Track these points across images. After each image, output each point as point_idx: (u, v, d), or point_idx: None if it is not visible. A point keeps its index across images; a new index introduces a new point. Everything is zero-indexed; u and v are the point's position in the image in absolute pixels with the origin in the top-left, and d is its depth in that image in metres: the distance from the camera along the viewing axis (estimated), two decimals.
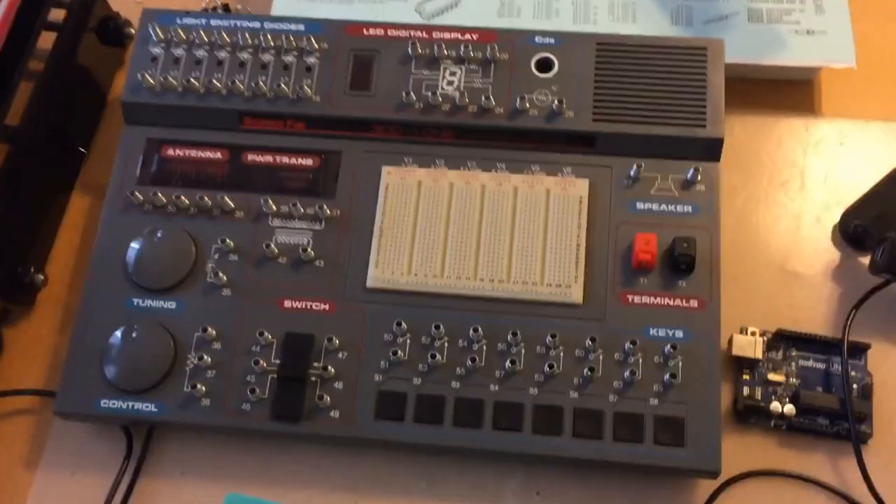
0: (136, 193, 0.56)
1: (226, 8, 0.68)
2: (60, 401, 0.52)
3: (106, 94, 0.66)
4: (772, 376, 0.53)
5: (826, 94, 0.62)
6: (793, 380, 0.53)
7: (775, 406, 0.51)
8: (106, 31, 0.65)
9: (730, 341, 0.53)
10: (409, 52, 0.57)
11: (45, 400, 0.56)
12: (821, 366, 0.53)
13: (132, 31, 0.66)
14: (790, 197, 0.59)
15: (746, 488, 0.51)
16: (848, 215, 0.57)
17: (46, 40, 0.61)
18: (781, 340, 0.53)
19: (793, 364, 0.53)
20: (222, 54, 0.58)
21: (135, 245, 0.55)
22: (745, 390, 0.52)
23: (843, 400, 0.51)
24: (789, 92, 0.63)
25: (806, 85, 0.63)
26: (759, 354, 0.52)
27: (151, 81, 0.58)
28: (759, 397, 0.52)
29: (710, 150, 0.55)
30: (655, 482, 0.51)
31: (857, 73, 0.60)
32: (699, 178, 0.54)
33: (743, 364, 0.53)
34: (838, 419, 0.51)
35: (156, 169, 0.57)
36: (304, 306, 0.53)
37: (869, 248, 0.56)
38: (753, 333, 0.53)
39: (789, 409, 0.51)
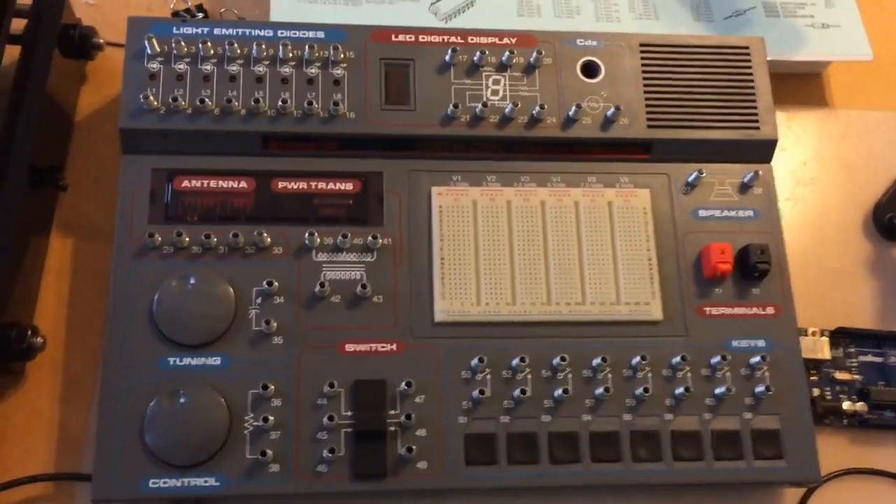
0: (155, 235, 0.48)
1: (201, 9, 0.60)
2: (98, 486, 0.45)
3: (73, 117, 0.57)
4: (839, 375, 0.53)
5: (836, 86, 0.63)
6: (856, 376, 0.53)
7: (848, 405, 0.52)
8: (69, 41, 0.55)
9: None
10: (448, 59, 0.52)
11: (68, 486, 0.48)
12: (879, 360, 0.54)
13: (99, 40, 0.57)
14: (819, 192, 0.60)
15: (831, 489, 0.51)
16: (880, 208, 0.58)
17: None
18: (842, 338, 0.54)
19: (854, 360, 0.54)
20: (234, 68, 0.51)
21: (162, 294, 0.47)
22: (816, 391, 0.53)
23: None
24: (799, 85, 0.63)
25: (815, 77, 0.64)
26: (827, 355, 0.53)
27: (155, 103, 0.50)
28: (830, 397, 0.53)
29: (764, 151, 0.54)
30: (744, 492, 0.51)
31: (864, 62, 0.62)
32: (756, 181, 0.53)
33: (809, 366, 0.53)
34: None
35: (170, 204, 0.50)
36: (368, 349, 0.48)
37: None
38: (815, 334, 0.53)
39: (861, 406, 0.52)
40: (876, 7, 0.66)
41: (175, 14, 0.60)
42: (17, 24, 0.53)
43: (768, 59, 0.58)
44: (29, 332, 0.48)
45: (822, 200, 0.59)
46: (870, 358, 0.54)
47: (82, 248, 0.54)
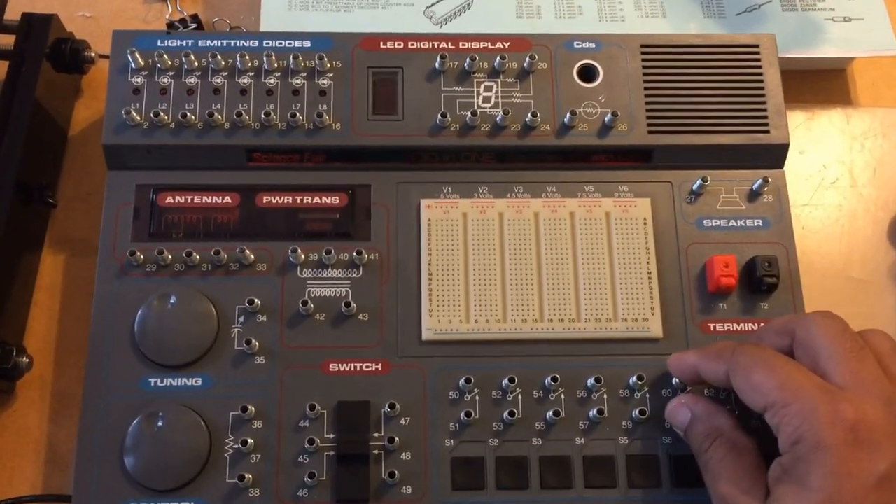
0: (137, 252, 0.47)
1: (195, 19, 0.59)
2: None
3: (66, 131, 0.57)
4: None
5: (861, 82, 0.60)
6: None
7: None
8: (60, 55, 0.55)
9: None
10: (437, 66, 0.51)
11: None
12: None
13: (91, 54, 0.56)
14: (843, 196, 0.56)
15: None
16: None
17: None
18: None
19: None
20: (219, 80, 0.50)
21: (143, 314, 0.47)
22: None
23: None
24: (822, 82, 0.59)
25: (839, 74, 0.60)
26: None
27: (137, 118, 0.49)
28: None
29: (775, 156, 0.51)
30: None
31: (889, 58, 0.58)
32: (766, 188, 0.50)
33: None
34: None
35: (153, 221, 0.49)
36: (352, 368, 0.47)
37: None
38: None
39: None
40: None
41: (170, 25, 0.60)
42: (6, 40, 0.53)
43: (786, 55, 0.55)
44: (14, 352, 0.48)
45: (844, 205, 0.56)
46: None
47: (74, 264, 0.54)
